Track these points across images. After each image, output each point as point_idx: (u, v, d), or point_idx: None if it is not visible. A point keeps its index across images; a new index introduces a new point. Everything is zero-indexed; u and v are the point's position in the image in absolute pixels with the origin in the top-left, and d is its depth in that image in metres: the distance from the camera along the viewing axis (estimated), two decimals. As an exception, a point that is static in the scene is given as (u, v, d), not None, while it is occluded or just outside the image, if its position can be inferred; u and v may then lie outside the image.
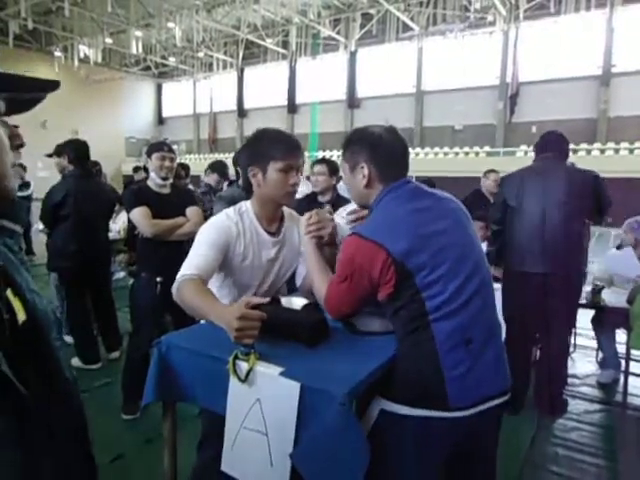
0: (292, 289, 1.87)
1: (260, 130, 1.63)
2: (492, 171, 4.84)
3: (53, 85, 0.69)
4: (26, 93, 0.67)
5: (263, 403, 1.22)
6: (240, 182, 2.79)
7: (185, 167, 5.24)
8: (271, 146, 1.55)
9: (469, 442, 1.35)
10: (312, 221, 1.53)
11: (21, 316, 0.57)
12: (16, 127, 0.71)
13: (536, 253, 2.83)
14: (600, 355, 3.72)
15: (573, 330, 3.91)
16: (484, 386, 1.29)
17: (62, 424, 0.65)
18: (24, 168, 7.71)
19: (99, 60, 19.93)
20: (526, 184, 2.92)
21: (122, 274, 6.29)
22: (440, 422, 1.24)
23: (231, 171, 3.42)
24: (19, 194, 7.43)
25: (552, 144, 2.97)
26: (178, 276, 1.43)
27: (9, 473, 0.55)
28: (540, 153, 3.00)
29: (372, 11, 17.75)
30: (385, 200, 1.38)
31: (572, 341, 4.00)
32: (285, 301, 1.69)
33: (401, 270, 1.24)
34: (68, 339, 3.87)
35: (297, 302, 1.68)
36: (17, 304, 0.57)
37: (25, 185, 7.50)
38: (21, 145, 0.71)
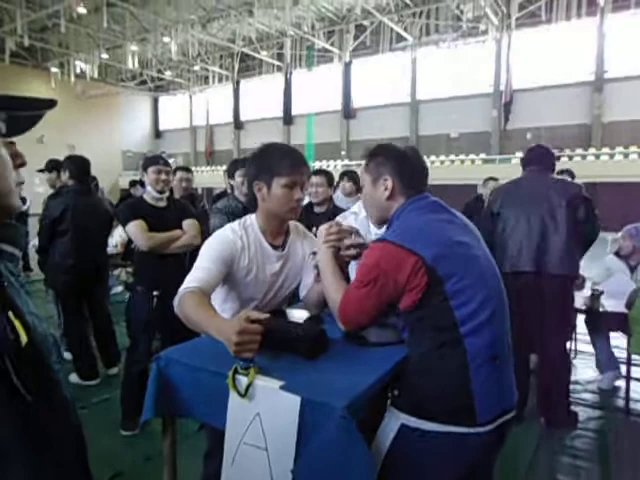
0: (293, 301, 1.87)
1: (266, 144, 1.63)
2: (491, 179, 4.89)
3: (50, 104, 0.69)
4: (24, 112, 0.68)
5: (263, 418, 1.20)
6: (236, 193, 2.78)
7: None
8: (277, 161, 1.55)
9: (484, 455, 1.35)
10: (332, 230, 1.53)
11: (23, 338, 0.57)
12: (12, 143, 0.72)
13: (522, 253, 2.85)
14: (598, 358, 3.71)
15: (572, 337, 3.91)
16: (504, 401, 1.30)
17: (62, 440, 0.65)
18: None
19: (95, 75, 20.07)
20: (511, 192, 3.03)
21: (119, 288, 6.27)
22: (466, 437, 1.23)
23: (224, 184, 3.42)
24: None
25: (537, 158, 3.05)
26: (181, 289, 1.42)
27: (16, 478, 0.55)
28: (526, 167, 3.09)
29: (366, 22, 17.94)
30: (408, 210, 1.39)
31: (572, 347, 3.99)
32: (288, 314, 1.68)
33: (432, 275, 1.23)
34: (67, 355, 3.85)
35: (299, 315, 1.67)
36: (19, 326, 0.57)
37: (21, 200, 7.46)
38: (22, 164, 0.72)
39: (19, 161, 0.69)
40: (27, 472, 0.57)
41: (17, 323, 0.57)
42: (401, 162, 1.42)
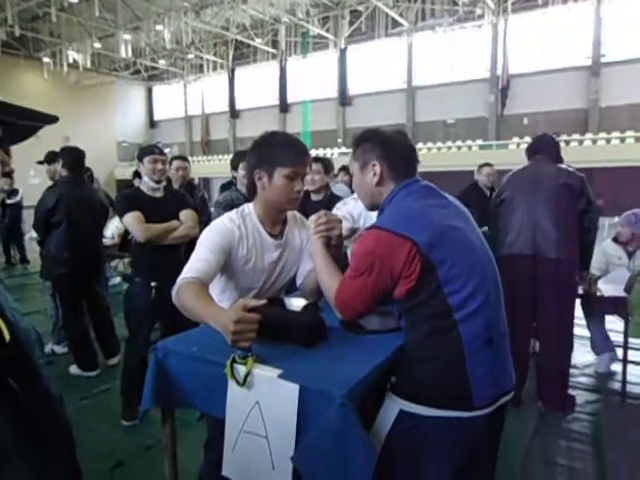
0: (291, 289, 1.87)
1: (269, 133, 1.61)
2: (486, 165, 4.85)
3: (51, 119, 0.70)
4: (22, 121, 0.67)
5: (262, 406, 1.21)
6: (238, 185, 2.77)
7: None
8: (280, 151, 1.53)
9: (483, 439, 1.36)
10: (321, 221, 1.52)
11: (6, 335, 0.57)
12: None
13: (527, 237, 2.88)
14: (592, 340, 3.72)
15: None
16: (501, 383, 1.31)
17: (53, 432, 0.65)
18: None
19: (88, 65, 19.83)
20: (515, 180, 3.05)
21: (117, 279, 6.26)
22: (464, 421, 1.24)
23: (220, 174, 3.40)
24: (8, 202, 7.35)
25: (543, 147, 3.07)
26: (179, 279, 1.42)
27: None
28: (532, 156, 3.10)
29: (361, 8, 17.75)
30: (400, 195, 1.38)
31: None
32: (286, 302, 1.68)
33: (426, 262, 1.22)
34: (57, 349, 3.87)
35: (297, 303, 1.67)
36: (1, 323, 0.57)
37: (13, 192, 7.42)
38: (10, 172, 0.71)
39: (7, 169, 0.69)
40: (28, 466, 0.56)
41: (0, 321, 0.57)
42: (388, 146, 1.41)
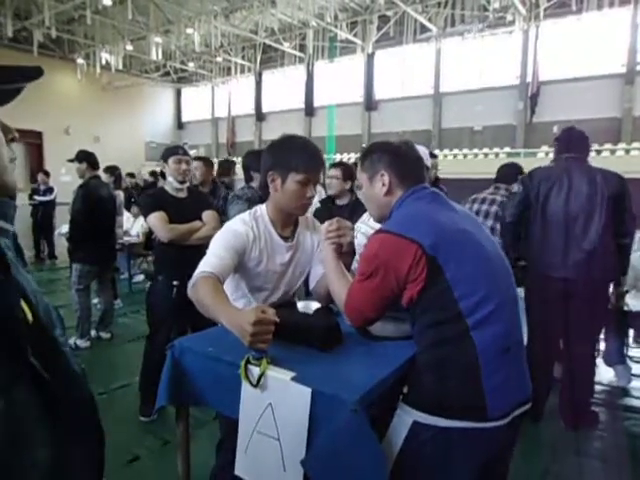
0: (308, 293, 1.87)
1: (287, 136, 1.62)
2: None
3: (36, 72, 0.63)
4: (7, 83, 0.64)
5: (275, 408, 1.21)
6: (252, 184, 2.79)
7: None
8: (295, 156, 1.54)
9: (499, 450, 1.33)
10: (332, 228, 1.52)
11: (29, 316, 0.57)
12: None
13: (559, 257, 2.73)
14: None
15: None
16: (516, 394, 1.28)
17: (77, 413, 0.65)
18: (47, 174, 8.08)
19: (120, 67, 20.26)
20: (550, 185, 2.79)
21: (141, 277, 6.37)
22: (479, 433, 1.21)
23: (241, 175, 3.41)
24: (44, 199, 7.70)
25: (577, 142, 2.84)
26: (196, 272, 1.43)
27: (43, 468, 0.55)
28: (563, 152, 2.86)
29: (389, 13, 17.66)
30: (408, 200, 1.38)
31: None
32: (301, 305, 1.68)
33: (432, 263, 1.20)
34: (81, 343, 3.99)
35: (314, 307, 1.67)
36: (23, 304, 0.57)
37: (49, 190, 7.89)
38: (14, 139, 0.70)
39: (10, 136, 0.68)
40: (50, 450, 0.56)
41: (22, 301, 0.57)
42: (395, 156, 1.41)
